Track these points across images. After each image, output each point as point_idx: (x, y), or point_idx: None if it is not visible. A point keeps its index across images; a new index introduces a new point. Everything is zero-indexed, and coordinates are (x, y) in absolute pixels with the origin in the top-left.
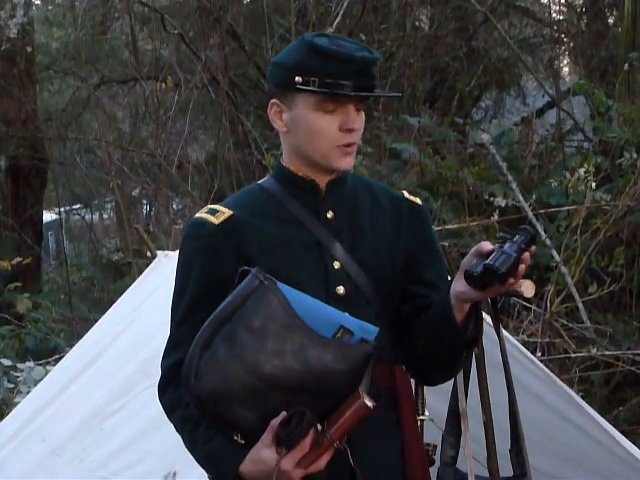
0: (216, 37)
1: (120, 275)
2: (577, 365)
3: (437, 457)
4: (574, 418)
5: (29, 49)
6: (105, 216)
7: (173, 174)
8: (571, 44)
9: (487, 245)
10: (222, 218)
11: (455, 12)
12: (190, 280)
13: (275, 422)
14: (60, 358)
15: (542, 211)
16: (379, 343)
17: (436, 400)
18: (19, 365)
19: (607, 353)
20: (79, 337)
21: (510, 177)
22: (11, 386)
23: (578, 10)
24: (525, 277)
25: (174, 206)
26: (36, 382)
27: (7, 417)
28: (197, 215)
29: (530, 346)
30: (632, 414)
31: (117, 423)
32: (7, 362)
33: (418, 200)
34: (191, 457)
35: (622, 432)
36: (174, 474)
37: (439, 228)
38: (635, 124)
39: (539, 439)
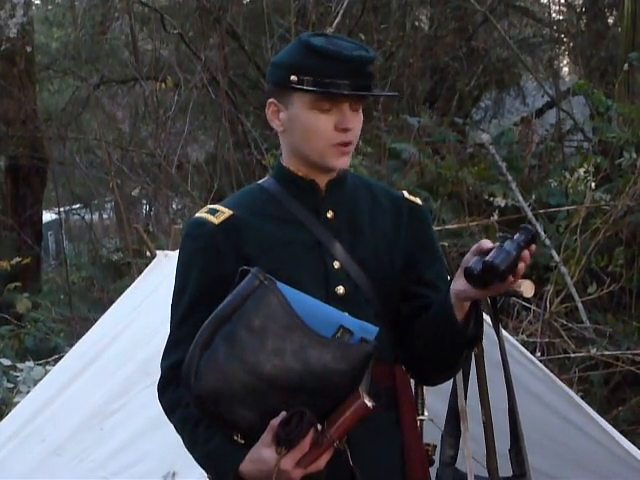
0: (216, 37)
1: (120, 275)
2: (577, 365)
3: (437, 457)
4: (574, 418)
5: (29, 49)
6: (105, 216)
7: (173, 174)
8: (571, 44)
9: (487, 243)
10: (222, 218)
11: (455, 12)
12: (190, 280)
13: (275, 422)
14: (60, 358)
15: (542, 211)
16: (379, 343)
17: (436, 400)
18: (19, 365)
19: (607, 353)
20: (79, 337)
21: (510, 177)
22: (11, 386)
23: (578, 10)
24: (524, 277)
25: (174, 206)
26: (36, 382)
27: (7, 417)
28: (197, 215)
29: (530, 346)
30: (631, 414)
31: (117, 423)
32: (7, 362)
33: (418, 200)
34: (191, 457)
35: (621, 432)
36: (174, 474)
37: (439, 228)
38: (635, 124)
39: (538, 439)
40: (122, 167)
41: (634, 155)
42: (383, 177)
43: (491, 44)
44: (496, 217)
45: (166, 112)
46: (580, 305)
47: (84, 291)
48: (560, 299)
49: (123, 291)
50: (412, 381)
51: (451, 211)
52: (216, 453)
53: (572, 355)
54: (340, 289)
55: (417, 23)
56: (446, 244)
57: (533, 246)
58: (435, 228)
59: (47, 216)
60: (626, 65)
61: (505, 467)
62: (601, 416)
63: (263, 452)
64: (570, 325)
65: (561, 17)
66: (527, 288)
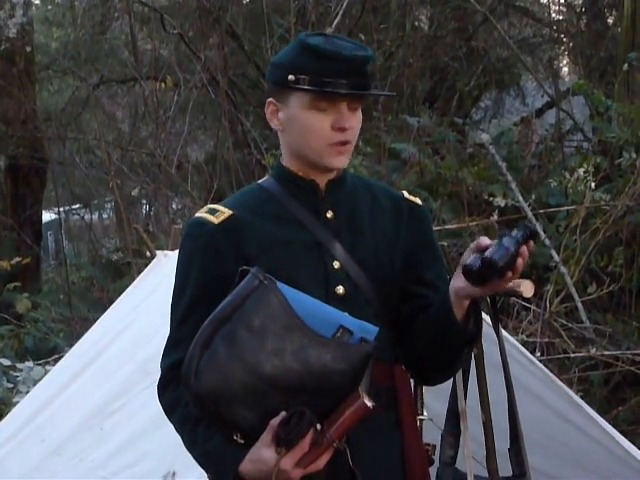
0: (215, 37)
1: (119, 275)
2: (576, 365)
3: (436, 457)
4: (573, 418)
5: (28, 49)
6: (104, 216)
7: (172, 174)
8: (570, 44)
9: (486, 240)
10: (222, 218)
11: (454, 12)
12: (190, 280)
13: (274, 422)
14: (59, 358)
15: (541, 211)
16: (379, 343)
17: (435, 400)
18: (18, 365)
19: (606, 353)
20: (78, 337)
21: (509, 177)
22: (10, 386)
23: (577, 10)
24: (524, 277)
25: (173, 206)
26: (35, 382)
27: (6, 417)
28: (197, 215)
29: (529, 346)
30: (631, 414)
31: (117, 423)
32: (6, 362)
33: (418, 200)
34: (190, 457)
35: (621, 432)
36: (173, 474)
37: (438, 228)
38: (634, 124)
39: (538, 439)
40: (122, 167)
41: (634, 155)
42: (383, 177)
43: (491, 44)
44: (496, 217)
45: (166, 112)
46: (580, 305)
47: (84, 291)
48: (560, 299)
49: (123, 291)
50: (412, 381)
51: (451, 211)
52: (216, 453)
53: (572, 355)
54: (340, 289)
55: (417, 23)
56: (446, 244)
57: (531, 242)
58: (435, 228)
59: (47, 216)
60: (626, 65)
61: (505, 467)
62: (601, 416)
63: (263, 452)
64: (570, 325)
65: (561, 17)
66: (527, 288)
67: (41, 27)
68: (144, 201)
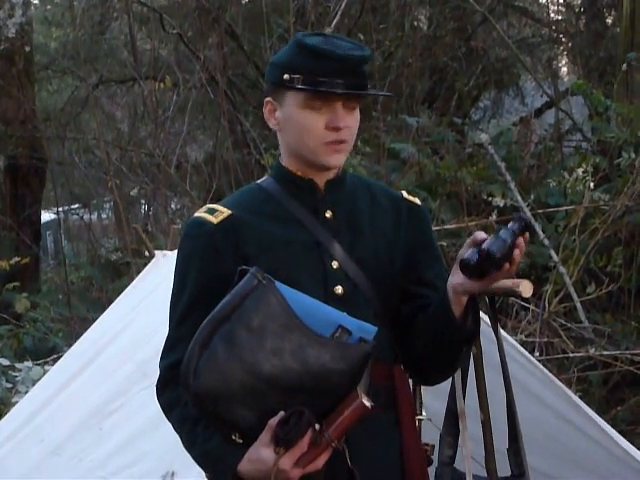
0: (215, 37)
1: (118, 275)
2: (575, 365)
3: (435, 457)
4: (572, 418)
5: (28, 49)
6: (104, 216)
7: (172, 174)
8: (569, 44)
9: (482, 234)
10: (221, 217)
11: (454, 12)
12: (189, 279)
13: (273, 421)
14: (58, 358)
15: (540, 211)
16: (378, 343)
17: (434, 400)
18: (17, 365)
19: (605, 353)
20: (77, 337)
21: (508, 177)
22: (9, 386)
23: (577, 10)
24: (523, 277)
25: (172, 206)
26: (34, 382)
27: (5, 417)
28: (196, 214)
29: (528, 346)
30: (630, 414)
31: (116, 423)
32: (5, 362)
33: (417, 200)
34: (189, 457)
35: (620, 432)
36: (172, 474)
37: (437, 228)
38: (633, 124)
39: (537, 439)
40: (121, 167)
41: (633, 155)
42: (382, 177)
43: (490, 44)
44: (495, 217)
45: (165, 112)
46: (579, 305)
47: (83, 291)
48: (559, 299)
49: (122, 291)
50: (410, 381)
51: (450, 211)
52: (214, 452)
53: (571, 355)
54: (339, 289)
55: (416, 23)
56: (445, 244)
57: (527, 234)
58: (434, 228)
59: (46, 216)
60: (625, 65)
61: (504, 466)
62: (600, 416)
63: (261, 452)
64: (569, 325)
65: (560, 17)
66: (526, 288)
67: (40, 27)
68: (143, 201)
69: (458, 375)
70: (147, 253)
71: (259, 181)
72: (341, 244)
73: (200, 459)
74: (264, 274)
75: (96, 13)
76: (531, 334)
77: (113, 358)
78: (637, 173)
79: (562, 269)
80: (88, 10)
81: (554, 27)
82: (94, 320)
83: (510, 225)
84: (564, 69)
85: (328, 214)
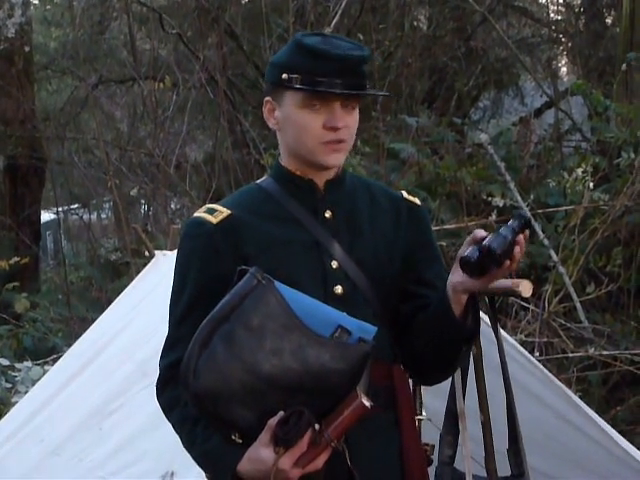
0: (214, 37)
1: (118, 275)
2: (575, 365)
3: (435, 457)
4: (572, 418)
5: (27, 49)
6: (103, 216)
7: (171, 174)
8: (569, 44)
9: (481, 232)
10: (220, 217)
11: (453, 12)
12: (188, 279)
13: (273, 421)
14: (58, 358)
15: (540, 211)
16: (377, 342)
17: (434, 400)
18: (17, 365)
19: (605, 353)
20: (77, 337)
21: (508, 177)
22: (9, 386)
23: (576, 10)
24: (523, 277)
25: (172, 206)
26: (34, 382)
27: (5, 417)
28: (195, 214)
29: (528, 346)
30: (630, 414)
31: (115, 423)
32: (5, 362)
33: (417, 200)
34: (189, 456)
35: (620, 432)
36: (172, 474)
37: (437, 228)
38: (633, 124)
39: (537, 439)
40: (120, 167)
41: (632, 155)
42: (381, 177)
43: (490, 44)
44: (494, 217)
45: (164, 112)
46: (578, 305)
47: (82, 291)
48: (558, 299)
49: (121, 291)
50: (410, 381)
51: (449, 211)
52: (214, 452)
53: (570, 355)
54: (338, 289)
55: (416, 23)
56: (444, 244)
57: (527, 231)
58: (433, 228)
59: (45, 216)
60: (624, 65)
61: (504, 467)
62: (599, 416)
63: (261, 451)
64: (568, 325)
65: (559, 17)
66: (525, 288)
67: (40, 27)
68: (143, 201)
69: (458, 375)
70: (147, 253)
71: (259, 181)
72: (340, 244)
73: (200, 459)
74: (264, 274)
75: (95, 13)
76: (531, 334)
77: (113, 358)
78: (636, 173)
79: (562, 269)
80: (87, 10)
81: (554, 27)
82: (94, 320)
83: (510, 223)
84: (564, 69)
85: (327, 214)
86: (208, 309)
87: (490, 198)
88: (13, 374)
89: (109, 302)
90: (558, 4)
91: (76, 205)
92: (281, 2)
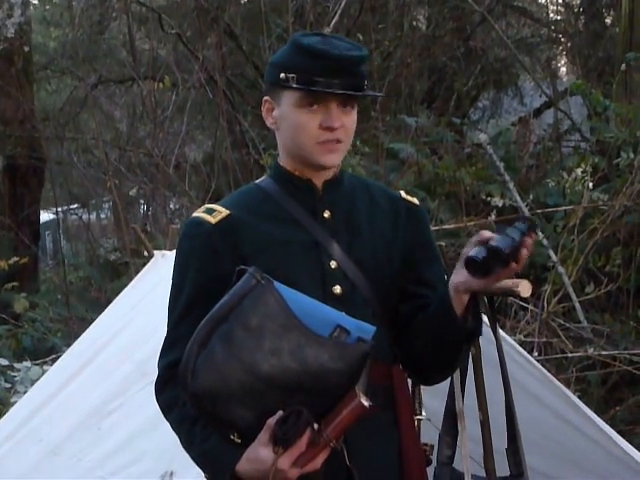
0: (213, 37)
1: (117, 275)
2: (574, 365)
3: (434, 457)
4: (571, 418)
5: (26, 49)
6: (102, 216)
7: (170, 174)
8: (568, 44)
9: (487, 233)
10: (219, 217)
11: (453, 12)
12: (187, 280)
13: (272, 421)
14: (57, 358)
15: (539, 211)
16: (376, 342)
17: (433, 400)
18: (16, 365)
19: (604, 353)
20: (76, 337)
21: (507, 177)
22: (8, 386)
23: (576, 10)
24: (522, 277)
25: (171, 206)
26: (33, 382)
27: (4, 417)
28: (194, 214)
29: (527, 346)
30: (629, 414)
31: (114, 423)
32: (4, 362)
33: (416, 200)
34: (188, 456)
35: (619, 432)
36: (171, 474)
37: (436, 228)
38: (632, 124)
39: (536, 439)
40: (120, 167)
41: (631, 155)
42: (381, 177)
43: (489, 44)
44: (494, 217)
45: (164, 112)
46: (577, 305)
47: (82, 291)
48: (557, 299)
49: (121, 291)
50: (409, 381)
51: (449, 211)
52: (213, 452)
53: (569, 355)
54: (337, 289)
55: (415, 23)
56: (443, 244)
57: (534, 234)
58: (432, 228)
59: (45, 216)
60: (623, 65)
61: (502, 466)
62: (598, 416)
63: (260, 451)
64: (567, 325)
65: (559, 17)
66: (524, 288)
67: (39, 27)
68: (142, 201)
69: (457, 375)
70: (146, 253)
71: (257, 181)
72: (339, 244)
73: (199, 459)
74: (263, 274)
75: (95, 13)
76: (530, 334)
77: (112, 358)
78: (636, 173)
79: (561, 269)
80: (87, 10)
81: (553, 27)
82: (93, 320)
83: (517, 225)
84: (563, 69)
85: (326, 214)
86: (207, 309)
87: (489, 198)
88: (12, 374)
89: (108, 302)
90: (557, 4)
91: (75, 205)
92: (280, 2)
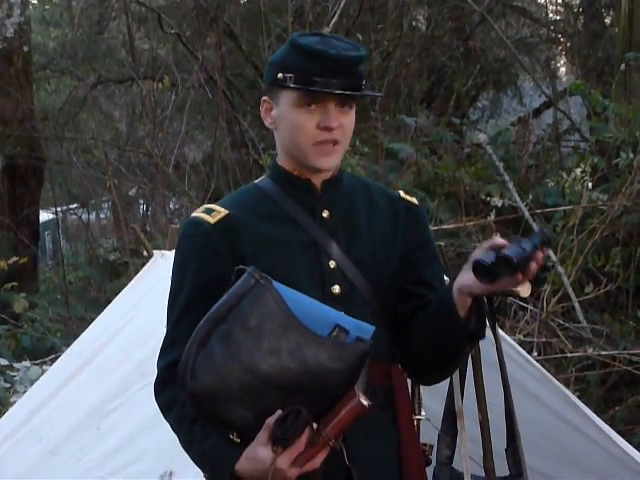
0: (213, 37)
1: (117, 275)
2: (573, 365)
3: (433, 457)
4: (570, 418)
5: (26, 48)
6: (102, 216)
7: (170, 174)
8: (568, 44)
9: (501, 240)
10: (218, 217)
11: (452, 12)
12: (186, 280)
13: (271, 421)
14: (56, 358)
15: (539, 211)
16: (376, 342)
17: (432, 400)
18: (15, 365)
19: (603, 353)
20: (75, 337)
21: (507, 177)
22: (7, 386)
23: (575, 10)
24: None
25: (171, 206)
26: (32, 382)
27: (3, 417)
28: (193, 214)
29: (526, 346)
30: (628, 414)
31: (114, 422)
32: (4, 362)
33: (415, 200)
34: (187, 456)
35: (618, 432)
36: (170, 473)
37: (436, 228)
38: (632, 124)
39: (535, 439)
40: (119, 167)
41: (631, 155)
42: (380, 177)
43: (488, 44)
44: (493, 217)
45: (163, 112)
46: (577, 305)
47: (81, 291)
48: (557, 299)
49: (120, 291)
50: (409, 380)
51: (448, 211)
52: (212, 452)
53: (569, 355)
54: (336, 288)
55: (414, 23)
56: (443, 244)
57: (546, 249)
58: (432, 228)
59: (44, 216)
60: (623, 65)
61: (502, 466)
62: (598, 416)
63: (259, 451)
64: (567, 325)
65: (558, 17)
66: (524, 288)
67: (39, 27)
68: (141, 201)
69: (456, 375)
70: (145, 253)
71: (257, 181)
72: (338, 244)
73: (198, 459)
74: (262, 273)
75: (94, 13)
76: (529, 334)
77: (111, 358)
78: (635, 173)
79: (560, 269)
80: (86, 10)
81: (552, 27)
82: (92, 320)
83: (532, 237)
84: (562, 69)
85: (325, 214)
86: (206, 309)
87: (489, 198)
88: (12, 374)
89: (108, 302)
90: (557, 4)
91: (75, 205)
92: (280, 2)
